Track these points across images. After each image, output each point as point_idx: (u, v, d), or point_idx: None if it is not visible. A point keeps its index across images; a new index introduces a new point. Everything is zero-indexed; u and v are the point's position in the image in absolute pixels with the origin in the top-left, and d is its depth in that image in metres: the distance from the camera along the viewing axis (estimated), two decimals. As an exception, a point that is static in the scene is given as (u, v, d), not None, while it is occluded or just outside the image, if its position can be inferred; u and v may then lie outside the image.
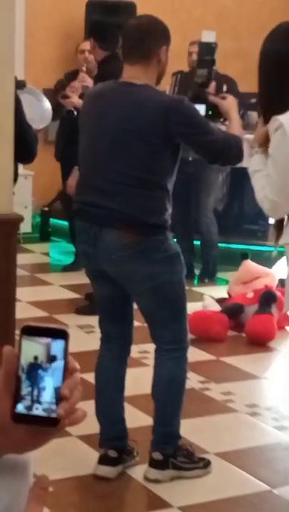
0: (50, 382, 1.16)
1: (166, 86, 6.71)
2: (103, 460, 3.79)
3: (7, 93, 3.64)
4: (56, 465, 3.72)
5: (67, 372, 1.17)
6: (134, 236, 3.56)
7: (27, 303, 6.30)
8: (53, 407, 1.15)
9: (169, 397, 3.75)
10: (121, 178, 3.55)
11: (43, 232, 9.01)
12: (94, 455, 3.86)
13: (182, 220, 7.00)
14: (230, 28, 9.79)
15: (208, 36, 6.28)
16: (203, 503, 3.65)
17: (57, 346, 1.16)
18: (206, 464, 3.87)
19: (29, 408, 1.15)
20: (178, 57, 7.43)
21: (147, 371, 4.05)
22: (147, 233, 3.57)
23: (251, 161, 3.35)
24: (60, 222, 8.54)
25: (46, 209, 8.99)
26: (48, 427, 1.16)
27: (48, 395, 1.15)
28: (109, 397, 3.82)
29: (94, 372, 3.87)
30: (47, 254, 8.45)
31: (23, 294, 5.84)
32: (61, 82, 7.35)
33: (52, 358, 1.16)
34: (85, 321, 6.01)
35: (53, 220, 8.96)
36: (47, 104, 6.74)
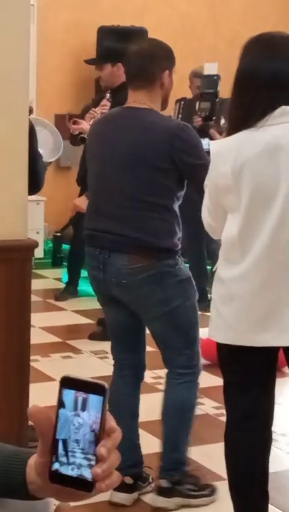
0: (87, 440, 1.08)
1: (170, 111, 6.72)
2: (119, 487, 3.76)
3: (21, 121, 3.66)
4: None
5: (104, 432, 1.09)
6: (145, 260, 3.55)
7: (40, 328, 6.31)
8: (89, 468, 1.08)
9: (179, 422, 3.74)
10: (130, 203, 3.56)
11: (56, 258, 9.03)
12: (109, 481, 3.84)
13: (194, 244, 6.97)
14: (241, 54, 9.83)
15: (210, 69, 6.23)
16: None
17: (94, 402, 1.08)
18: (212, 491, 3.83)
19: (65, 468, 1.09)
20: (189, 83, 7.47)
21: (161, 397, 4.03)
22: (158, 257, 3.56)
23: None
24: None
25: (58, 234, 9.02)
26: (82, 490, 1.09)
27: (84, 454, 1.08)
28: (123, 424, 3.76)
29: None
30: (59, 279, 8.46)
31: (36, 319, 5.81)
32: (87, 107, 7.35)
33: (89, 415, 1.08)
34: (99, 347, 6.01)
35: (65, 246, 8.98)
36: (58, 138, 6.77)
